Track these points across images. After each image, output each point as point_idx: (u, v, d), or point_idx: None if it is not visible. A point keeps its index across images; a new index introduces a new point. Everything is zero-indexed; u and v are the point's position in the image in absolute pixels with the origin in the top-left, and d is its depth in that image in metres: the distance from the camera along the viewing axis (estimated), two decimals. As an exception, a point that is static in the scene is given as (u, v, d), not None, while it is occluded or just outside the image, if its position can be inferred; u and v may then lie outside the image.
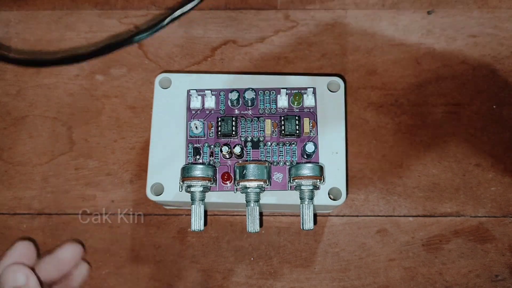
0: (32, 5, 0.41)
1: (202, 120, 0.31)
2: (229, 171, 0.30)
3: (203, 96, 0.32)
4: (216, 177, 0.30)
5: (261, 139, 0.31)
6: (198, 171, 0.29)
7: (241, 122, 0.31)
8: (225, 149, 0.30)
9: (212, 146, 0.31)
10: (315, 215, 0.36)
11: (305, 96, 0.31)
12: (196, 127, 0.31)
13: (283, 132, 0.30)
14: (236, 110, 0.32)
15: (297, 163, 0.30)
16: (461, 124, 0.38)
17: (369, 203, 0.37)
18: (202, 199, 0.29)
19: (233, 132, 0.30)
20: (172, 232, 0.36)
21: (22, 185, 0.37)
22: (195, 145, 0.31)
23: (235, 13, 0.41)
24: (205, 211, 0.35)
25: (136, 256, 0.36)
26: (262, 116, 0.31)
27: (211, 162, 0.31)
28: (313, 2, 0.41)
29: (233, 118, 0.31)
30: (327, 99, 0.32)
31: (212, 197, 0.31)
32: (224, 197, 0.31)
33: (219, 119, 0.31)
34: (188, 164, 0.30)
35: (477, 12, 0.40)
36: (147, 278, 0.36)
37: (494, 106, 0.38)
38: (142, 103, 0.39)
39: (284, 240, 0.36)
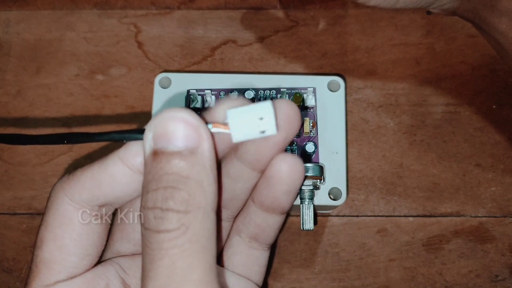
0: (32, 5, 0.41)
1: (202, 120, 0.31)
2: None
3: (203, 96, 0.32)
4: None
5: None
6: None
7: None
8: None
9: (212, 146, 0.31)
10: (315, 215, 0.36)
11: (305, 96, 0.31)
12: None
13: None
14: (236, 110, 0.32)
15: (297, 163, 0.30)
16: (461, 124, 0.38)
17: (369, 203, 0.37)
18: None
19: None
20: (172, 232, 0.36)
21: (22, 185, 0.37)
22: (195, 145, 0.31)
23: (235, 13, 0.41)
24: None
25: (136, 256, 0.36)
26: (262, 116, 0.31)
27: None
28: (313, 1, 0.41)
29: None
30: (327, 99, 0.32)
31: (212, 197, 0.31)
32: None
33: (219, 119, 0.31)
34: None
35: (477, 12, 0.40)
36: (147, 278, 0.35)
37: (494, 106, 0.38)
38: (142, 103, 0.39)
39: (284, 240, 0.36)
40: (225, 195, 0.22)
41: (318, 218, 0.36)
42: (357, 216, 0.37)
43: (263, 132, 0.18)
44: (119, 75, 0.40)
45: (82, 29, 0.41)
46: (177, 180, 0.17)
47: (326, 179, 0.30)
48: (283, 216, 0.22)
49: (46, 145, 0.38)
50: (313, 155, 0.30)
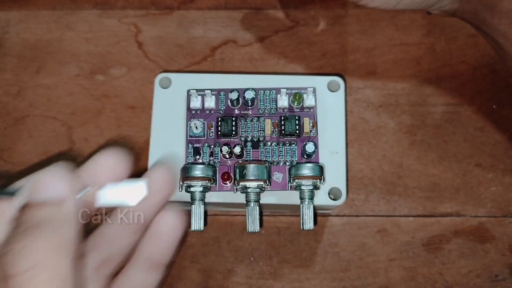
0: (32, 5, 0.41)
1: (202, 120, 0.31)
2: (229, 171, 0.30)
3: (203, 96, 0.32)
4: (216, 177, 0.30)
5: (261, 139, 0.31)
6: (198, 171, 0.29)
7: (241, 122, 0.31)
8: (225, 149, 0.30)
9: (212, 146, 0.31)
10: (315, 215, 0.36)
11: (305, 96, 0.31)
12: (196, 127, 0.31)
13: (283, 132, 0.30)
14: (236, 110, 0.32)
15: (297, 163, 0.30)
16: (461, 124, 0.38)
17: (369, 203, 0.37)
18: (202, 199, 0.29)
19: (233, 132, 0.30)
20: (172, 232, 0.36)
21: (22, 185, 0.37)
22: (195, 145, 0.31)
23: (235, 13, 0.41)
24: (205, 211, 0.35)
25: (136, 256, 0.36)
26: (262, 116, 0.31)
27: (211, 162, 0.31)
28: (313, 1, 0.41)
29: (233, 118, 0.31)
30: (327, 99, 0.32)
31: (212, 197, 0.31)
32: (224, 197, 0.31)
33: (219, 119, 0.31)
34: (188, 164, 0.30)
35: (477, 12, 0.40)
36: (147, 278, 0.36)
37: (494, 106, 0.38)
38: (142, 103, 0.39)
39: (284, 240, 0.36)
40: (103, 255, 0.23)
41: (318, 218, 0.36)
42: (357, 216, 0.37)
43: (127, 202, 0.21)
44: (119, 75, 0.40)
45: (82, 29, 0.41)
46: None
47: (326, 179, 0.30)
48: (163, 272, 0.24)
49: (46, 145, 0.38)
50: (313, 155, 0.30)
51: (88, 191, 0.20)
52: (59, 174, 0.19)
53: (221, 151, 0.30)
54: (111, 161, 0.21)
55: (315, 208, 0.29)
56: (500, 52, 0.28)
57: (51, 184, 0.19)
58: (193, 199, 0.29)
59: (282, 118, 0.31)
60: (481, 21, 0.29)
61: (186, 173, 0.29)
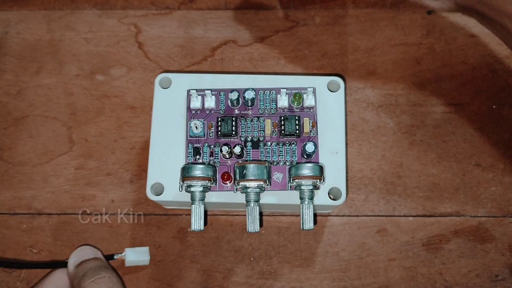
0: (32, 5, 0.41)
1: (202, 120, 0.31)
2: (229, 171, 0.30)
3: (203, 96, 0.32)
4: (216, 177, 0.30)
5: (261, 139, 0.31)
6: (198, 171, 0.29)
7: (241, 122, 0.31)
8: (225, 149, 0.30)
9: (212, 146, 0.31)
10: (315, 215, 0.36)
11: (305, 96, 0.31)
12: (196, 127, 0.31)
13: (283, 132, 0.30)
14: (236, 110, 0.32)
15: (297, 163, 0.30)
16: (461, 124, 0.38)
17: (369, 203, 0.37)
18: (202, 199, 0.29)
19: (233, 132, 0.30)
20: (172, 232, 0.36)
21: (22, 185, 0.37)
22: (195, 145, 0.31)
23: (235, 13, 0.41)
24: (205, 211, 0.35)
25: (136, 256, 0.36)
26: (262, 116, 0.31)
27: (211, 162, 0.31)
28: (313, 1, 0.41)
29: (233, 118, 0.31)
30: (327, 99, 0.32)
31: (212, 197, 0.31)
32: (224, 197, 0.31)
33: (219, 119, 0.31)
34: (188, 164, 0.30)
35: (477, 12, 0.40)
36: (147, 278, 0.36)
37: (494, 106, 0.38)
38: (142, 103, 0.39)
39: (284, 240, 0.36)
40: None
41: (318, 218, 0.36)
42: (357, 216, 0.37)
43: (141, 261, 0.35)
44: (119, 75, 0.40)
45: (82, 29, 0.41)
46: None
47: (326, 179, 0.30)
48: None
49: (46, 145, 0.38)
50: (313, 155, 0.30)
51: (117, 256, 0.35)
52: (89, 247, 0.34)
53: (221, 151, 0.30)
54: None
55: (315, 208, 0.29)
56: (507, 37, 0.28)
57: (88, 251, 0.34)
58: (193, 199, 0.29)
59: (282, 118, 0.31)
60: (486, 5, 0.28)
61: (186, 173, 0.29)
